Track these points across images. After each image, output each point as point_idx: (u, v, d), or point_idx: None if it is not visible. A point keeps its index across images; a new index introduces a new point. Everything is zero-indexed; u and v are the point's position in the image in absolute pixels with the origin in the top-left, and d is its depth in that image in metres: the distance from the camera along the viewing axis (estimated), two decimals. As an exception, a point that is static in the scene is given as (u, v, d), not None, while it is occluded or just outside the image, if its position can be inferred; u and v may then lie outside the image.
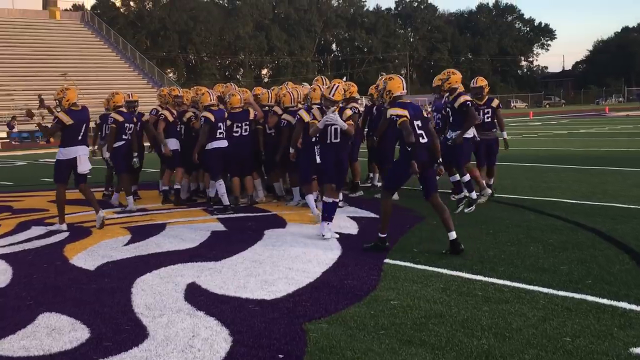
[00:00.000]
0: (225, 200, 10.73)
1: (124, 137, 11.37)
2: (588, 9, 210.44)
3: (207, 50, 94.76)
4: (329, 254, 7.38)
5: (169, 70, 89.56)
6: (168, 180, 11.84)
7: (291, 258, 7.27)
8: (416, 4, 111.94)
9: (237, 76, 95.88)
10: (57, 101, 9.65)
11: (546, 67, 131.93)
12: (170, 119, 11.67)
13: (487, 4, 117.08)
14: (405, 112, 7.23)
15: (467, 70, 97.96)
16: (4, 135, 40.24)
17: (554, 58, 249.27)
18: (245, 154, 11.08)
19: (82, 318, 5.39)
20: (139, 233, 9.08)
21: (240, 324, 5.09)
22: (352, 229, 8.88)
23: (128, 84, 53.77)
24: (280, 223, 9.49)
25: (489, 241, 7.79)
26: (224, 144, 10.80)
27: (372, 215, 9.86)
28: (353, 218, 9.65)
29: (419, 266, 6.73)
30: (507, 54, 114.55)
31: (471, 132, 10.21)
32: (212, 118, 10.68)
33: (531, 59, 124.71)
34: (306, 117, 9.22)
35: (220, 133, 10.77)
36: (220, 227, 9.35)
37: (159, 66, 69.73)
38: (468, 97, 10.05)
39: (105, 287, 6.34)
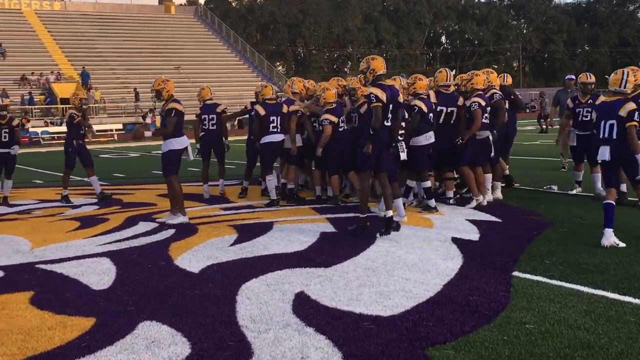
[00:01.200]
0: (273, 195, 10.71)
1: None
2: None
3: (316, 43, 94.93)
4: (449, 263, 6.70)
5: (278, 64, 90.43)
6: (294, 178, 11.37)
7: (407, 266, 6.64)
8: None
9: (345, 69, 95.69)
10: (154, 92, 9.66)
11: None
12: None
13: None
14: (384, 96, 7.84)
15: (584, 63, 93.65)
16: (120, 126, 41.36)
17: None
18: (343, 149, 10.42)
19: (183, 329, 4.96)
20: (246, 232, 8.68)
21: (355, 346, 4.51)
22: (473, 233, 8.14)
23: (238, 77, 54.48)
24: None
25: (632, 253, 6.88)
26: (276, 138, 10.71)
27: (494, 219, 9.07)
28: (473, 221, 8.90)
29: (554, 282, 5.94)
30: (628, 45, 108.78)
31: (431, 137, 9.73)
32: (262, 112, 10.63)
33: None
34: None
35: (273, 127, 10.64)
36: (329, 227, 8.82)
37: (269, 59, 70.34)
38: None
39: (209, 293, 5.92)
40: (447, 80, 10.21)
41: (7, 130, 11.96)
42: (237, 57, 60.50)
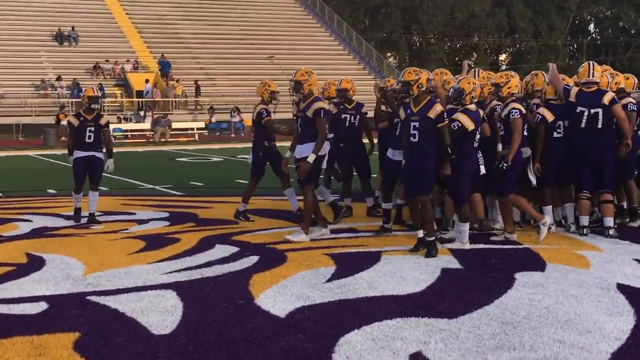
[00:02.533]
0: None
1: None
2: None
3: (435, 30, 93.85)
4: (616, 322, 5.92)
5: (389, 54, 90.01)
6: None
7: (559, 323, 5.91)
8: None
9: (470, 61, 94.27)
10: (293, 83, 9.69)
11: None
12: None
13: None
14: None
15: None
16: (202, 125, 41.74)
17: None
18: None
19: (261, 399, 4.45)
20: (346, 264, 8.15)
21: None
22: (645, 279, 7.31)
23: (342, 69, 54.18)
24: (536, 262, 8.11)
25: None
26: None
27: (671, 259, 8.19)
28: (642, 262, 8.06)
29: None
30: None
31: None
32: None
33: None
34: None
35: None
36: (453, 263, 8.16)
37: (378, 49, 69.95)
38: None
39: (296, 347, 5.40)
40: (589, 76, 9.68)
41: (92, 128, 11.38)
42: (341, 46, 60.40)
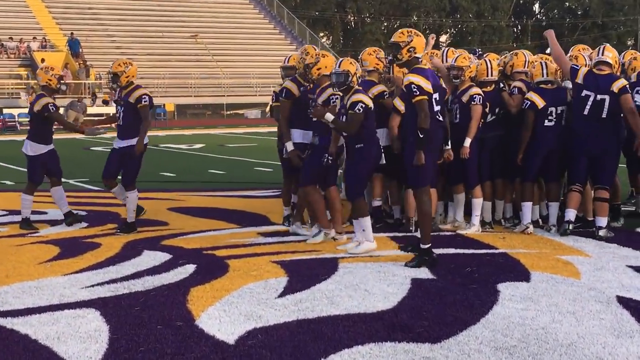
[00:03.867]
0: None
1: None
2: None
3: (371, 9, 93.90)
4: (628, 344, 5.41)
5: (322, 34, 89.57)
6: (382, 192, 10.09)
7: (562, 347, 5.38)
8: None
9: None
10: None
11: None
12: None
13: None
14: (429, 86, 7.66)
15: None
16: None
17: None
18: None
19: None
20: (299, 274, 7.51)
21: None
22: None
23: (272, 50, 53.49)
24: (518, 271, 7.58)
25: None
26: None
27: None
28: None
29: None
30: None
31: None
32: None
33: None
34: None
35: None
36: (424, 272, 7.57)
37: (311, 28, 69.41)
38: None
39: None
40: (599, 54, 9.31)
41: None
42: (271, 24, 59.76)
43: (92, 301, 6.67)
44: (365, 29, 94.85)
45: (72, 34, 47.35)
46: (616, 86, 8.80)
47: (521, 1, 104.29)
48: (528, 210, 9.32)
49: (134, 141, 9.58)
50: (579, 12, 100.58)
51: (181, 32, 52.20)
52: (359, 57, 9.70)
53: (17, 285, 7.23)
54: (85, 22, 51.36)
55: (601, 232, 8.99)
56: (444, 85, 8.31)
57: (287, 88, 9.31)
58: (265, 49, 54.15)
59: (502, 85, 9.62)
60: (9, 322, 6.08)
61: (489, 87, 9.56)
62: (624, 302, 6.48)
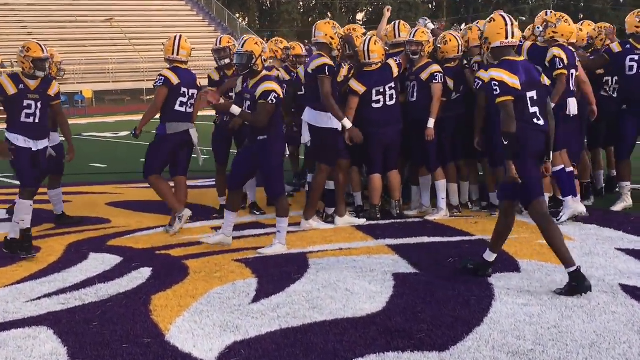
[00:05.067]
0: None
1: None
2: None
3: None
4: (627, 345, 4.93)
5: (237, 15, 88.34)
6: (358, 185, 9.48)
7: (584, 349, 4.86)
8: None
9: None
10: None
11: None
12: None
13: None
14: (516, 82, 6.11)
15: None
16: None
17: None
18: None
19: None
20: (269, 274, 6.84)
21: None
22: (644, 278, 6.39)
23: (191, 32, 52.25)
24: (505, 260, 7.02)
25: None
26: None
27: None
28: (631, 252, 7.16)
29: None
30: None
31: None
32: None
33: None
34: None
35: None
36: (403, 265, 6.99)
37: (227, 9, 68.24)
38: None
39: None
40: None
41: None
42: (188, 6, 58.56)
43: (42, 317, 5.87)
44: (281, 8, 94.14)
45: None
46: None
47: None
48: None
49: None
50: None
51: (95, 16, 50.65)
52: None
53: (-49, 301, 6.39)
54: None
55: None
56: (543, 82, 6.89)
57: (328, 64, 8.31)
58: (183, 31, 52.66)
59: (464, 62, 9.11)
60: (-53, 349, 5.28)
61: (452, 63, 9.04)
62: (630, 291, 6.00)
